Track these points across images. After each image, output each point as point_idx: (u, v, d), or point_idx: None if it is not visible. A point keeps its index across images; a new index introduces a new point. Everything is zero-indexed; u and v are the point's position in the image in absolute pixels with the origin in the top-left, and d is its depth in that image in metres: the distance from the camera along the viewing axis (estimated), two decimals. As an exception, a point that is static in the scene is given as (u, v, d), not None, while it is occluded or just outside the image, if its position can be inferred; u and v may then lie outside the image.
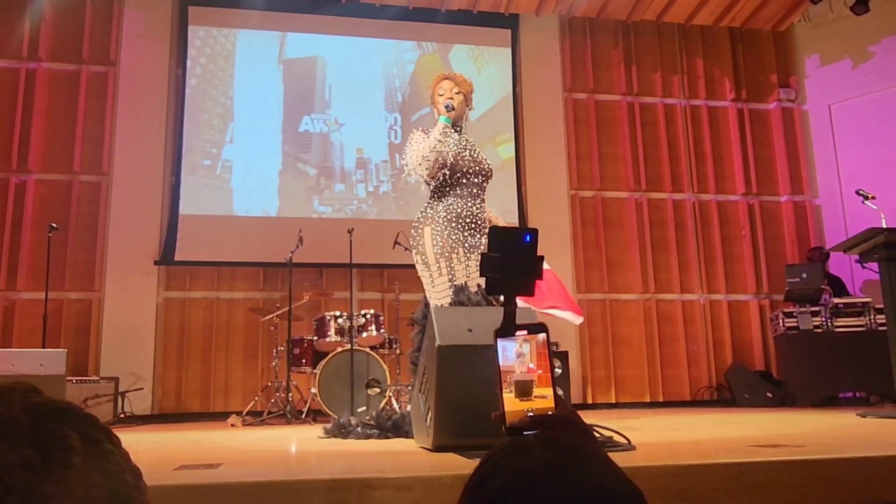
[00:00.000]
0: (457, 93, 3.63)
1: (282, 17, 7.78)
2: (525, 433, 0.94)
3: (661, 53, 8.57)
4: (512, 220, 7.76)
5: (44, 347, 5.75)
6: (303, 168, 7.55)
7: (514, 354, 0.99)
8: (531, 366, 0.99)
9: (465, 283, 3.33)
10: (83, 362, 6.72)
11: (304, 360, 6.10)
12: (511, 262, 1.03)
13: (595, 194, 8.12)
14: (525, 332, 1.00)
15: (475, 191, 3.52)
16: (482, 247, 3.49)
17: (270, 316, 6.38)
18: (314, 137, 7.64)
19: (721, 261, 8.19)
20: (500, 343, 1.00)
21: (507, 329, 1.00)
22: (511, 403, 0.97)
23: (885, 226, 4.51)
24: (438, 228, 3.42)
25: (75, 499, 0.55)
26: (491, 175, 3.61)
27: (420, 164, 3.44)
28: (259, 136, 7.52)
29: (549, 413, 0.96)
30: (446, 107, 3.54)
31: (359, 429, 3.47)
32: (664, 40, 8.61)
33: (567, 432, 0.88)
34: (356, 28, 7.94)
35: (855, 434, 3.16)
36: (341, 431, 3.56)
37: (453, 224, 3.43)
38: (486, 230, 3.50)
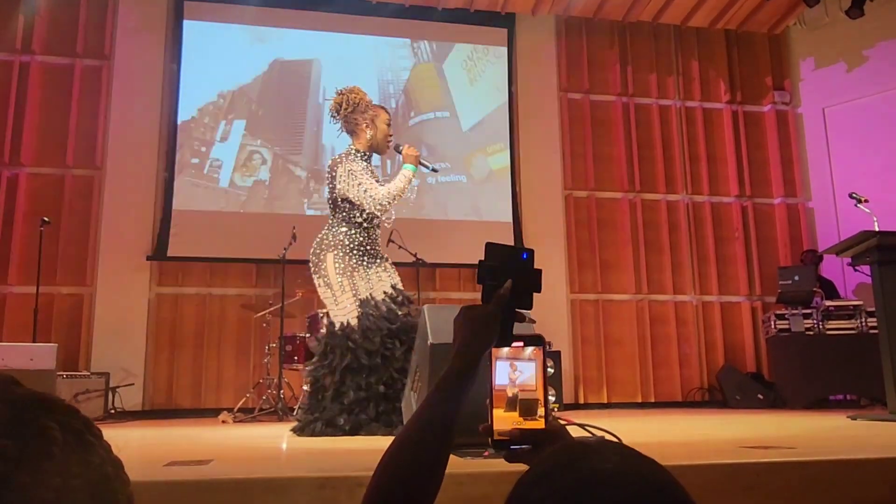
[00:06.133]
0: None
1: (277, 13, 7.73)
2: (513, 448, 0.92)
3: (656, 54, 8.57)
4: (506, 220, 7.77)
5: (34, 342, 5.72)
6: (293, 170, 7.51)
7: (508, 369, 0.97)
8: (525, 381, 0.96)
9: (370, 294, 3.64)
10: (74, 357, 6.68)
11: (295, 357, 6.08)
12: (509, 273, 1.01)
13: (589, 195, 8.12)
14: (521, 343, 0.98)
15: (375, 220, 3.87)
16: (378, 265, 3.82)
17: (263, 312, 6.37)
18: (306, 139, 7.59)
19: (714, 262, 8.21)
20: (495, 355, 0.97)
21: (504, 340, 0.98)
22: (500, 416, 0.96)
23: (877, 229, 4.52)
24: (340, 254, 3.71)
25: (53, 489, 0.55)
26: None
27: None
28: (252, 134, 7.48)
29: (539, 429, 0.95)
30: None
31: None
32: (660, 41, 8.62)
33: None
34: (352, 25, 7.89)
35: (845, 436, 3.17)
36: None
37: (354, 251, 3.70)
38: (380, 254, 3.88)
